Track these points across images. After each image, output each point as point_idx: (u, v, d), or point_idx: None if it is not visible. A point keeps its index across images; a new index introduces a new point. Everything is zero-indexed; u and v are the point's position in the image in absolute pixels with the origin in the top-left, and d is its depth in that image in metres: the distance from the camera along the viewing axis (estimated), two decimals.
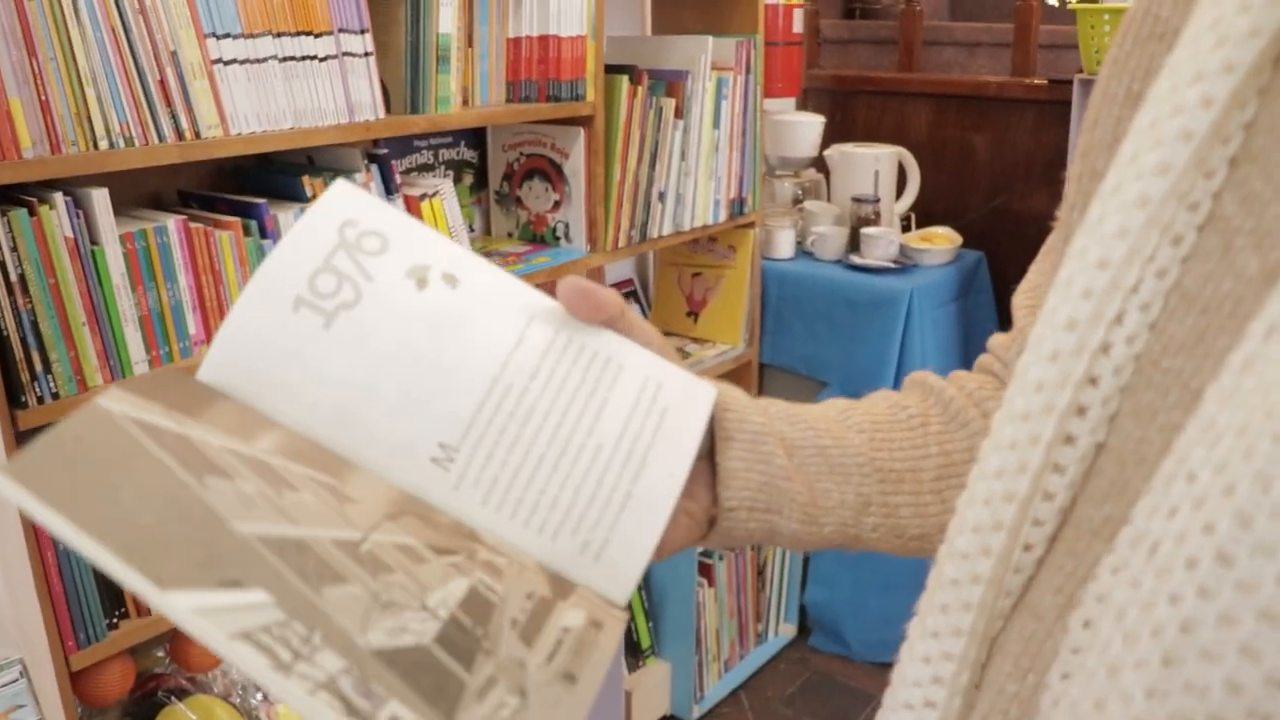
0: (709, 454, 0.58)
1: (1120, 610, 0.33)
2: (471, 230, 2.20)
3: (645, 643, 2.40)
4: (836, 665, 2.62)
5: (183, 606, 0.35)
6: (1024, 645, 0.39)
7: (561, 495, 0.50)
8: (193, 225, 1.41)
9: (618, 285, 2.57)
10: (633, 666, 2.37)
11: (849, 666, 2.61)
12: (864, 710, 2.45)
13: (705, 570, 2.43)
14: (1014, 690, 0.39)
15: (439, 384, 0.51)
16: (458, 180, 2.14)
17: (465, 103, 1.78)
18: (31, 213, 1.24)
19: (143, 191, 1.56)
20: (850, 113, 3.08)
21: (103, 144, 1.28)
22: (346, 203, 0.54)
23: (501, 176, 2.14)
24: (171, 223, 1.38)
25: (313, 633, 0.38)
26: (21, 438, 1.25)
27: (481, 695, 0.40)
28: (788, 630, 2.71)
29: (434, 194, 1.70)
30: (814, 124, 2.71)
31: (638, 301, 2.62)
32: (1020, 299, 0.61)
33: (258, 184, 1.63)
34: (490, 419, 0.51)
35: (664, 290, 2.61)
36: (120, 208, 1.35)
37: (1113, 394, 0.38)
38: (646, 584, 2.39)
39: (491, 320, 0.53)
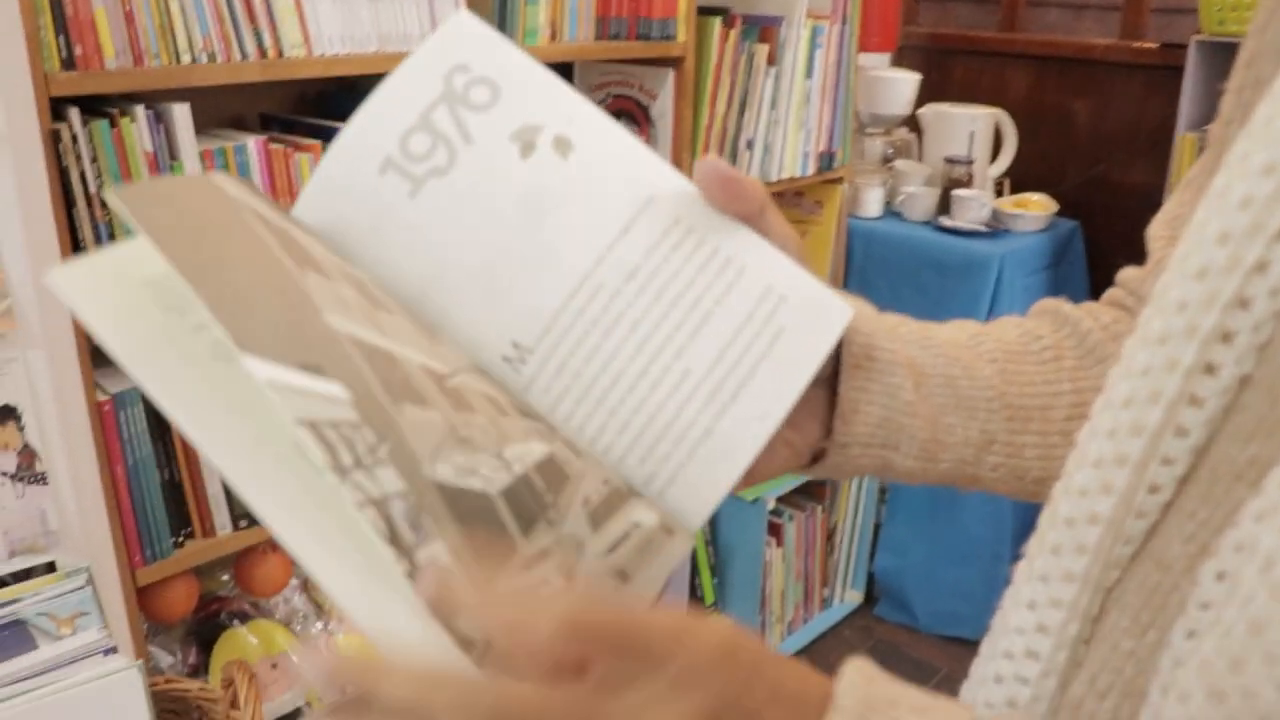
0: (828, 379, 0.52)
1: (1268, 559, 0.29)
2: None
3: (709, 598, 2.37)
4: (902, 636, 2.57)
5: (259, 372, 0.33)
6: (1145, 598, 0.35)
7: (634, 420, 0.45)
8: (273, 146, 1.39)
9: None
10: None
11: (915, 638, 2.56)
12: (929, 683, 2.40)
13: (774, 529, 2.39)
14: (1130, 647, 0.35)
15: (524, 274, 0.46)
16: None
17: (553, 37, 1.74)
18: (112, 124, 1.23)
19: (225, 113, 1.55)
20: (946, 72, 2.98)
21: (185, 58, 1.26)
22: (461, 43, 0.48)
23: None
24: (251, 142, 1.37)
25: (381, 444, 0.34)
26: (97, 353, 1.25)
27: (528, 566, 0.37)
28: (854, 597, 2.67)
29: None
30: (909, 81, 2.62)
31: None
32: (1156, 229, 0.55)
33: (340, 110, 1.60)
34: (572, 323, 0.45)
35: None
36: (201, 127, 1.34)
37: (1266, 319, 0.34)
38: (714, 539, 2.36)
39: (599, 201, 0.46)
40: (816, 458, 0.54)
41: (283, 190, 1.40)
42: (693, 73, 1.92)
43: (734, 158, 2.05)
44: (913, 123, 2.73)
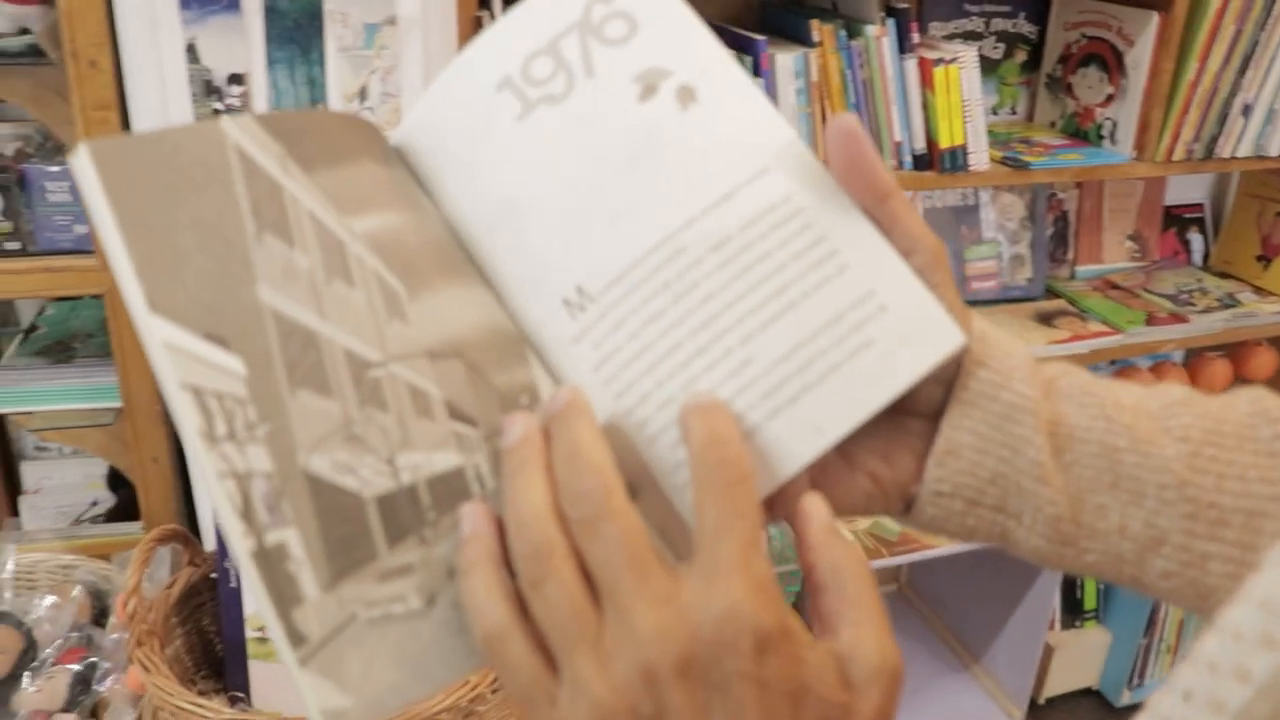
0: (937, 413, 0.45)
1: None
2: (1012, 112, 2.00)
3: (1089, 604, 2.15)
4: None
5: (158, 334, 0.35)
6: None
7: (677, 399, 0.41)
8: None
9: (1179, 208, 2.22)
10: (1067, 624, 2.15)
11: None
12: None
13: None
14: None
15: (607, 218, 0.44)
16: (1008, 55, 1.94)
17: None
18: None
19: None
20: None
21: None
22: None
23: (1056, 58, 1.91)
24: None
25: (261, 424, 0.35)
26: None
27: (385, 578, 0.36)
28: None
29: (952, 60, 1.55)
30: None
31: (1200, 230, 2.25)
32: None
33: (776, 22, 1.59)
34: (642, 280, 0.42)
35: (1237, 224, 2.21)
36: None
37: None
38: None
39: (707, 160, 0.43)
40: (911, 505, 0.46)
41: None
42: (1183, 18, 1.66)
43: (1221, 123, 1.77)
44: None
